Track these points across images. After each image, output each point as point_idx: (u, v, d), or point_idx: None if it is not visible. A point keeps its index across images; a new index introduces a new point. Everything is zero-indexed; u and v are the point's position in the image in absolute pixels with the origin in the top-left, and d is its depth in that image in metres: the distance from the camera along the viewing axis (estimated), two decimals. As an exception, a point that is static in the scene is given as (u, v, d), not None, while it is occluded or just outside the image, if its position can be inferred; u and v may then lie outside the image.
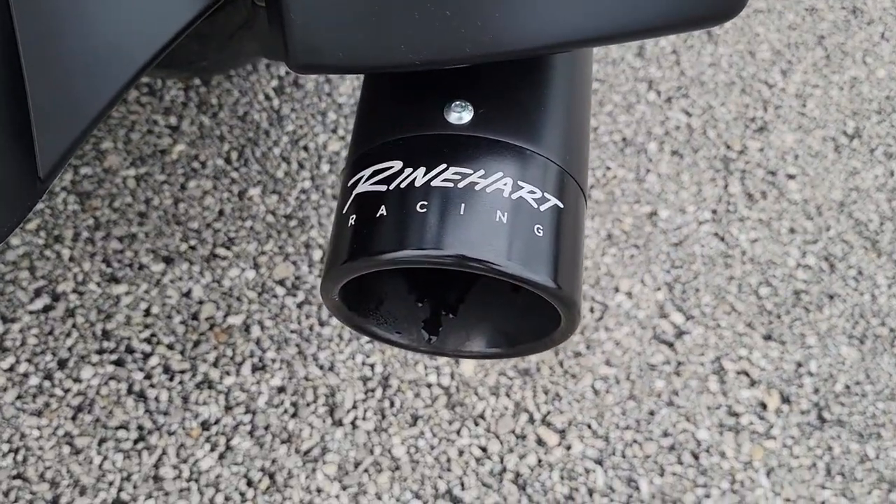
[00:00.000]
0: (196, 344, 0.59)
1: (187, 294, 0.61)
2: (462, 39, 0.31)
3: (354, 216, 0.31)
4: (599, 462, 0.57)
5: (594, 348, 0.61)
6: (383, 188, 0.31)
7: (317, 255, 0.64)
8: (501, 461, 0.57)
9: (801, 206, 0.71)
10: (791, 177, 0.72)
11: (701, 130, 0.74)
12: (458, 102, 0.33)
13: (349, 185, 0.33)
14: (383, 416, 0.58)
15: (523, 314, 0.37)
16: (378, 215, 0.31)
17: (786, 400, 0.61)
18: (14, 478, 0.55)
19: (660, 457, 0.58)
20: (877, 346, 0.64)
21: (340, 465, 0.56)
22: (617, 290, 0.64)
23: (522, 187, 0.31)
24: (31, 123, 0.32)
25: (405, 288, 0.39)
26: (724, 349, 0.62)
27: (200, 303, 0.61)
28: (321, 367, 0.59)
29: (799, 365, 0.63)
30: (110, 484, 0.55)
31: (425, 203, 0.30)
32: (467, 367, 0.59)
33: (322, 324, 0.61)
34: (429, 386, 0.59)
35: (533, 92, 0.35)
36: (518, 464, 0.56)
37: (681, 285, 0.65)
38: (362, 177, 0.32)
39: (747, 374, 0.62)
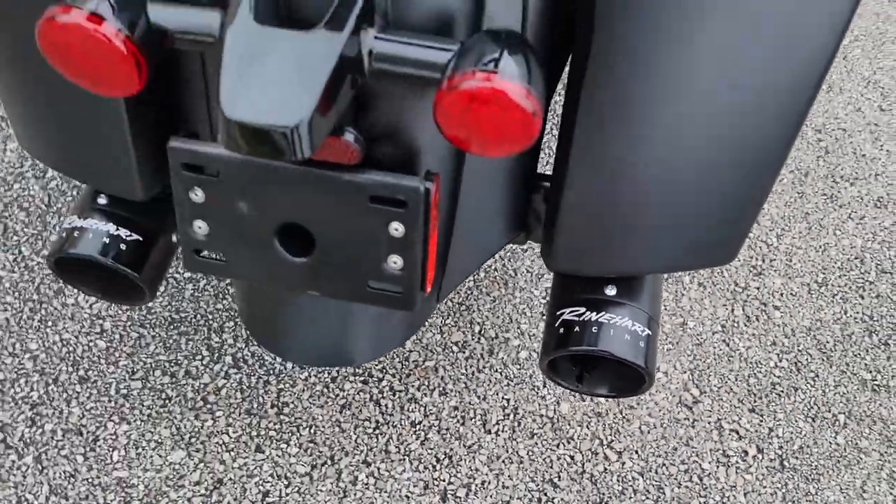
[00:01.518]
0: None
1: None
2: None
3: (563, 327, 0.68)
4: (641, 474, 0.93)
5: (641, 405, 0.98)
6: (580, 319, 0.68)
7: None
8: (582, 466, 0.92)
9: (782, 328, 1.07)
10: (776, 308, 1.09)
11: (719, 271, 1.12)
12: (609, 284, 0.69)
13: (557, 313, 0.69)
14: (512, 431, 0.94)
15: (624, 379, 0.73)
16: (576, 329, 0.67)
17: (760, 451, 0.96)
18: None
19: (678, 476, 0.93)
20: (824, 424, 0.99)
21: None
22: (658, 369, 1.01)
23: (637, 326, 0.67)
24: (447, 263, 0.67)
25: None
26: (723, 415, 0.98)
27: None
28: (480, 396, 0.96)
29: (770, 430, 0.98)
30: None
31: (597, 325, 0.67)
32: (565, 407, 0.95)
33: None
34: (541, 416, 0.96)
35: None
36: (593, 468, 0.92)
37: (699, 371, 1.01)
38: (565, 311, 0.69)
39: (737, 433, 0.97)
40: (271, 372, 0.94)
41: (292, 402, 0.93)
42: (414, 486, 0.89)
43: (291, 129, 0.45)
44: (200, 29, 0.51)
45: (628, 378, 0.69)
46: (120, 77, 0.51)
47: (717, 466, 0.94)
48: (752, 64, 0.53)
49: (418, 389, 0.95)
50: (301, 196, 0.54)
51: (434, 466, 0.91)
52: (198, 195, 0.57)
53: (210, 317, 0.98)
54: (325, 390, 0.94)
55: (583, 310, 0.66)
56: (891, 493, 0.94)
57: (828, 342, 1.06)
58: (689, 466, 0.94)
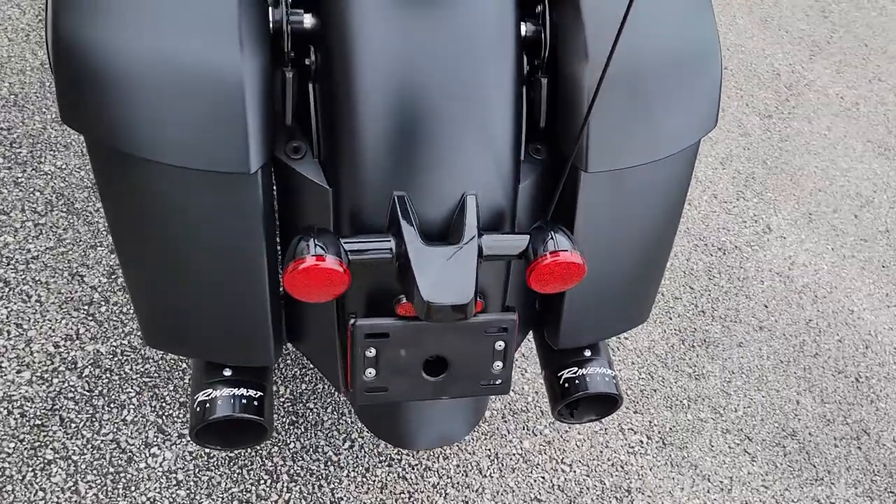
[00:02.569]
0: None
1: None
2: None
3: (567, 383, 1.07)
4: (588, 475, 1.36)
5: (572, 428, 1.41)
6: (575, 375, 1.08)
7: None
8: (551, 481, 1.33)
9: (633, 351, 1.57)
10: (627, 338, 1.59)
11: (588, 321, 1.60)
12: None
13: (558, 375, 1.07)
14: (500, 471, 1.31)
15: (603, 404, 1.12)
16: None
17: (649, 437, 1.44)
18: None
19: (610, 469, 1.38)
20: (677, 408, 1.50)
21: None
22: (573, 401, 1.45)
23: (607, 370, 1.08)
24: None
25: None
26: (621, 420, 1.45)
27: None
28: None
29: (650, 422, 1.47)
30: None
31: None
32: (527, 443, 1.35)
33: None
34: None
35: None
36: (558, 480, 1.33)
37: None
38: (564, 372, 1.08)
39: (632, 430, 1.44)
40: (321, 477, 1.23)
41: (344, 495, 1.23)
42: (449, 529, 1.24)
43: (466, 303, 0.80)
44: (383, 251, 0.83)
45: (606, 403, 1.10)
46: (337, 288, 0.81)
47: (629, 455, 1.40)
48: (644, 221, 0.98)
49: (428, 459, 1.30)
50: (444, 338, 0.88)
51: (458, 511, 1.26)
52: (371, 352, 0.88)
53: (258, 447, 1.23)
54: (364, 479, 1.25)
55: (575, 368, 1.06)
56: (726, 444, 1.47)
57: (662, 353, 1.58)
58: (613, 461, 1.39)
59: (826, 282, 1.88)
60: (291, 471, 1.23)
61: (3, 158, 1.46)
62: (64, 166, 1.49)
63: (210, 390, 0.97)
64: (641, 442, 1.42)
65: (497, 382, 0.93)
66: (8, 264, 1.31)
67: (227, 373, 0.98)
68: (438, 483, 1.28)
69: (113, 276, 1.35)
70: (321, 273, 0.79)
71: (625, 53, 0.93)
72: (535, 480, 1.32)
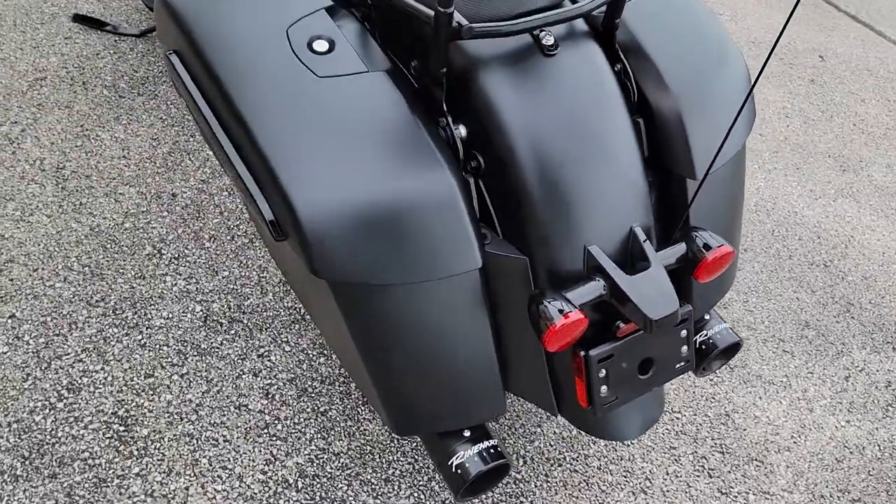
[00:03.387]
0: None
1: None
2: None
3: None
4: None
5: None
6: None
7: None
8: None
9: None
10: (667, 295, 1.94)
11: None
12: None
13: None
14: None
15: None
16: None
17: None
18: None
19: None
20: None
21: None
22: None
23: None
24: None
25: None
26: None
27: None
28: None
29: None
30: None
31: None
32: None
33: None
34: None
35: None
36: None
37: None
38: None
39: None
40: (515, 495, 1.48)
41: (542, 501, 1.49)
42: None
43: (676, 310, 1.06)
44: (600, 292, 1.07)
45: (732, 349, 1.36)
46: (580, 331, 1.05)
47: (713, 387, 1.75)
48: None
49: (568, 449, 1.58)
50: (649, 342, 1.13)
51: None
52: (602, 373, 1.13)
53: (417, 473, 1.46)
54: (548, 482, 1.51)
55: (704, 332, 1.35)
56: (770, 351, 1.85)
57: (694, 297, 1.93)
58: (706, 396, 1.73)
59: (769, 196, 2.31)
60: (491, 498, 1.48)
61: (116, 327, 1.56)
62: (170, 315, 1.60)
63: (460, 453, 1.19)
64: (716, 373, 1.78)
65: (686, 363, 1.21)
66: (182, 419, 1.45)
67: (467, 433, 1.21)
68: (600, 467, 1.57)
69: (270, 396, 1.51)
70: (573, 325, 1.03)
71: (692, 80, 1.22)
72: (664, 429, 1.64)
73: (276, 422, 1.48)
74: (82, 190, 1.81)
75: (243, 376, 1.53)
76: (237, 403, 1.49)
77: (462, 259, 1.08)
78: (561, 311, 1.04)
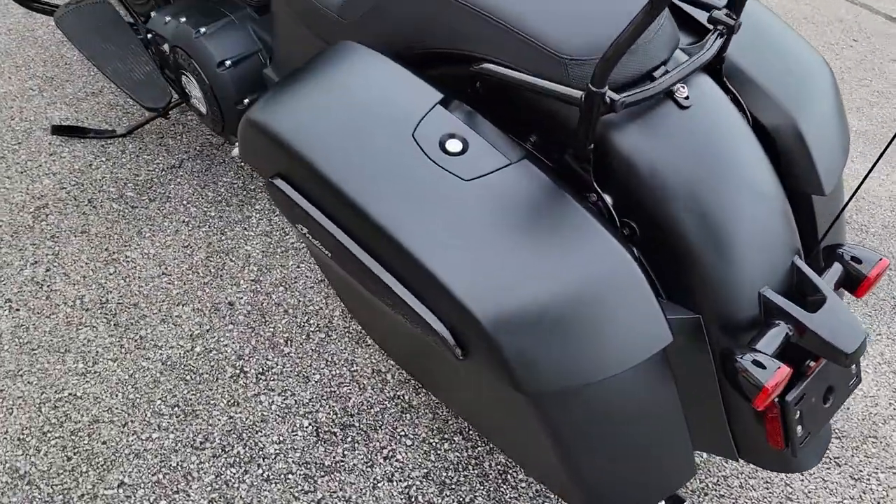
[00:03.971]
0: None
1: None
2: None
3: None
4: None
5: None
6: None
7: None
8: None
9: None
10: None
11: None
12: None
13: None
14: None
15: None
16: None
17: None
18: None
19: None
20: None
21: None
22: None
23: None
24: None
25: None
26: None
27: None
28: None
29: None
30: None
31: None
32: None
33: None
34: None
35: None
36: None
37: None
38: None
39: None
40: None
41: (703, 535, 1.49)
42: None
43: (865, 339, 1.06)
44: (787, 336, 1.06)
45: None
46: (783, 385, 1.04)
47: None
48: None
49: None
50: (829, 370, 1.14)
51: None
52: (797, 414, 1.12)
53: None
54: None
55: None
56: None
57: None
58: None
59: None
60: None
61: (232, 467, 1.46)
62: (280, 438, 1.52)
63: None
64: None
65: (856, 378, 1.21)
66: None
67: None
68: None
69: (413, 499, 1.45)
70: (783, 381, 1.01)
71: (799, 98, 1.22)
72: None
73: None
74: (136, 321, 1.69)
75: (379, 485, 1.47)
76: (385, 516, 1.43)
77: (655, 337, 1.04)
78: (763, 367, 1.02)
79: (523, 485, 1.52)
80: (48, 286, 1.74)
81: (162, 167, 2.08)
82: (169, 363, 1.62)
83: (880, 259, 1.16)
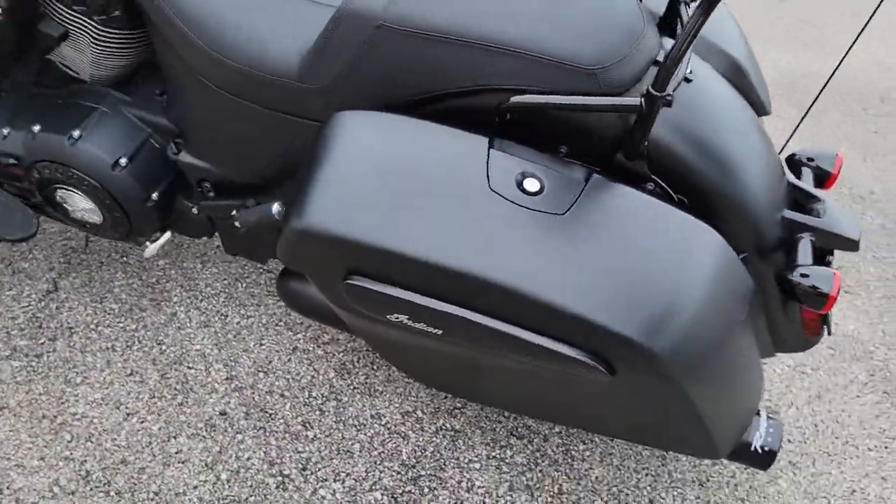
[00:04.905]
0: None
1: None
2: None
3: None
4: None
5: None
6: None
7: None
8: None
9: None
10: None
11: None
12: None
13: None
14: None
15: None
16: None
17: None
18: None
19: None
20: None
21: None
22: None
23: None
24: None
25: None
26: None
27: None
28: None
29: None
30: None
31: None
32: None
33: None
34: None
35: None
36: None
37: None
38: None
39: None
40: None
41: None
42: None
43: None
44: (812, 245, 1.29)
45: None
46: None
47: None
48: None
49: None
50: None
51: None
52: None
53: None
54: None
55: None
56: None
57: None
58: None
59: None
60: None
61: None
62: (367, 521, 1.46)
63: (756, 434, 1.36)
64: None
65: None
66: None
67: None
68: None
69: (513, 514, 1.49)
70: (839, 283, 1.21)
71: (736, 42, 1.41)
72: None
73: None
74: (137, 480, 1.48)
75: (480, 517, 1.49)
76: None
77: (747, 288, 1.17)
78: (822, 278, 1.18)
79: (587, 452, 1.62)
80: (9, 492, 1.45)
81: (36, 298, 1.77)
82: (205, 505, 1.46)
83: (836, 154, 1.38)
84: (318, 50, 1.22)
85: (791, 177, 1.35)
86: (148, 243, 1.62)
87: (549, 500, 1.53)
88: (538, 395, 1.34)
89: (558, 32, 1.13)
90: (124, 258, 1.89)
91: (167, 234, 1.64)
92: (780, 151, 1.35)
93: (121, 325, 1.74)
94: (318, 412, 1.62)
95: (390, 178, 1.09)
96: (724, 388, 1.20)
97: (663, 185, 1.20)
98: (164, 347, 1.71)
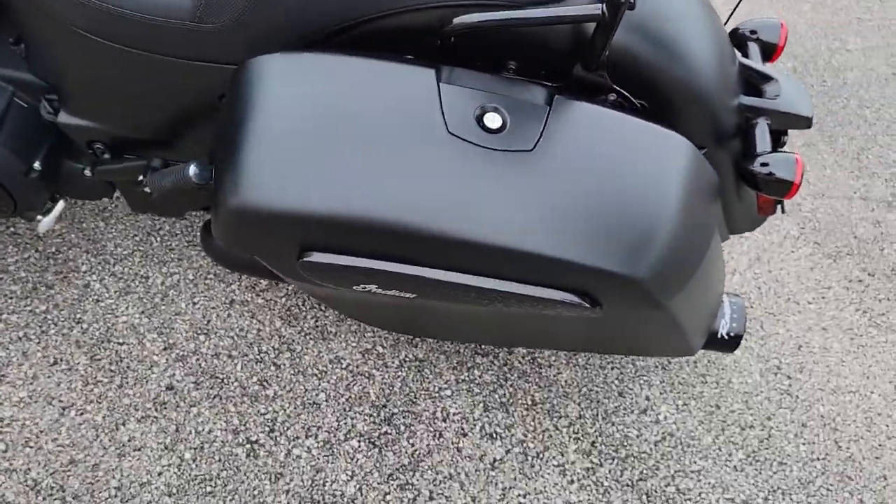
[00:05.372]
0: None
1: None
2: None
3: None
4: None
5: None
6: None
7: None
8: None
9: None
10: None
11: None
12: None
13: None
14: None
15: None
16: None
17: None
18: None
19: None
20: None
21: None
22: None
23: None
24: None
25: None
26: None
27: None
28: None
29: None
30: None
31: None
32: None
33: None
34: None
35: None
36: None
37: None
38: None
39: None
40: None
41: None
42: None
43: None
44: (769, 129, 1.26)
45: None
46: None
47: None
48: None
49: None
50: None
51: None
52: None
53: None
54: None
55: None
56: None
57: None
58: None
59: None
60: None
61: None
62: None
63: (722, 322, 1.37)
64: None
65: None
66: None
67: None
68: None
69: None
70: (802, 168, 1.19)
71: None
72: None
73: None
74: (91, 478, 1.36)
75: (461, 445, 1.47)
76: None
77: (714, 184, 1.14)
78: (785, 164, 1.15)
79: (553, 358, 1.61)
80: (-54, 518, 1.30)
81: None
82: (175, 491, 1.36)
83: (780, 23, 1.32)
84: None
85: (742, 59, 1.28)
86: (40, 217, 1.41)
87: (524, 413, 1.53)
88: (510, 328, 1.30)
89: None
90: (11, 229, 1.66)
91: (61, 204, 1.44)
92: (725, 23, 1.28)
93: (28, 308, 1.55)
94: (272, 367, 1.53)
95: (334, 133, 0.95)
96: (699, 293, 1.18)
97: (624, 93, 1.12)
98: (85, 326, 1.54)
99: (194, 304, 1.60)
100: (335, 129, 0.95)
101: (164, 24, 1.06)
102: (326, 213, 0.93)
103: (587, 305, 1.04)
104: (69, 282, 1.60)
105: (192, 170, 1.16)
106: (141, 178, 1.29)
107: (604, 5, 0.97)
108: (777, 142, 1.28)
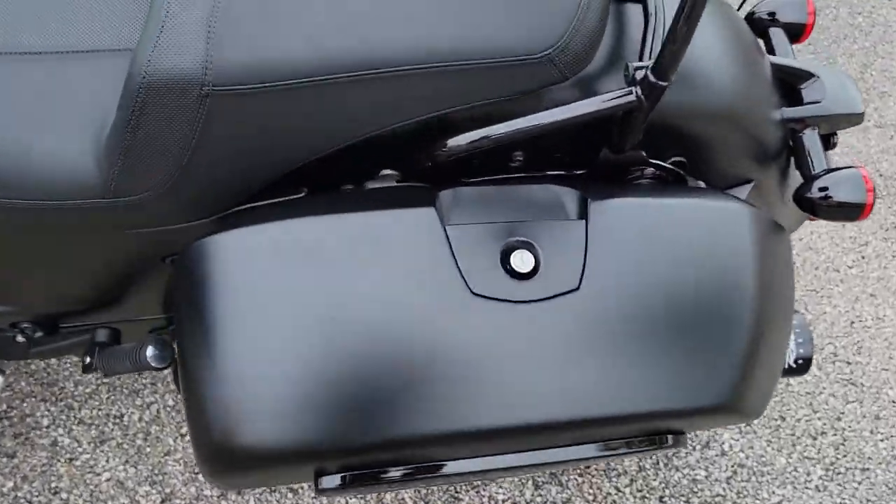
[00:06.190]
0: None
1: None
2: None
3: None
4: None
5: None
6: None
7: None
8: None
9: None
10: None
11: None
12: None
13: None
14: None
15: None
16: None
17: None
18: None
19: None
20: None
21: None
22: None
23: None
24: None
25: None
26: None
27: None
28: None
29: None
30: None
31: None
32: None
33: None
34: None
35: None
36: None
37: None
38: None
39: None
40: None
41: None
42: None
43: None
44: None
45: None
46: None
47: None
48: None
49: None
50: None
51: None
52: None
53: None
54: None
55: None
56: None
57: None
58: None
59: None
60: None
61: None
62: None
63: None
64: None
65: None
66: None
67: None
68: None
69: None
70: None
71: None
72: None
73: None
74: None
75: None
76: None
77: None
78: (852, 185, 0.96)
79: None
80: None
81: None
82: None
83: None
84: (124, 150, 0.77)
85: (772, 58, 1.06)
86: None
87: (579, 481, 1.36)
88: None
89: (468, 21, 0.74)
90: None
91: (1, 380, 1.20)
92: (739, 10, 1.07)
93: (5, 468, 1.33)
94: (290, 496, 1.34)
95: (342, 332, 0.74)
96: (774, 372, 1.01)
97: (659, 163, 0.91)
98: (64, 496, 1.32)
99: (183, 436, 1.38)
100: (340, 327, 0.74)
101: (70, 205, 0.81)
102: (353, 442, 0.73)
103: (670, 443, 0.86)
104: (32, 443, 1.37)
105: (150, 352, 0.94)
106: (88, 359, 1.06)
107: (637, 88, 0.75)
108: (827, 144, 1.08)
